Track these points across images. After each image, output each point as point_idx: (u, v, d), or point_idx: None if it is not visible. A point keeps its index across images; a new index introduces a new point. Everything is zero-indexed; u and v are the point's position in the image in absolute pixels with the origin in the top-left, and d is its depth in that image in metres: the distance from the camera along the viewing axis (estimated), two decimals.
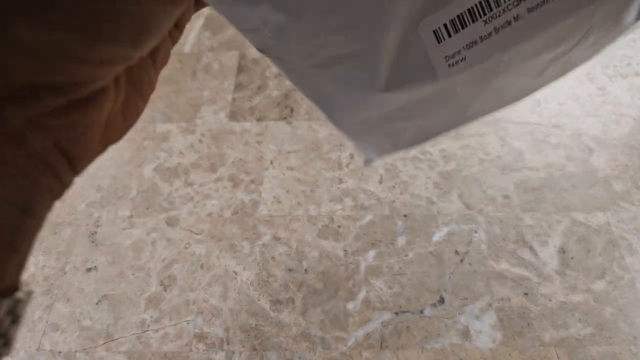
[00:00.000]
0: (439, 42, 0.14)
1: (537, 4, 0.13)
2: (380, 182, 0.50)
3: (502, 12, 0.13)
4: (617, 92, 0.57)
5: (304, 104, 0.58)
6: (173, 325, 0.41)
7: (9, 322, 0.09)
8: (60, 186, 0.10)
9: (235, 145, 0.54)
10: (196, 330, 0.40)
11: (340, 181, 0.50)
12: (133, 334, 0.41)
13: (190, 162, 0.53)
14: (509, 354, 0.38)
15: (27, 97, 0.09)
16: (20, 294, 0.09)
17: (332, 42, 0.13)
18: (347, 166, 0.52)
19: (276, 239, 0.46)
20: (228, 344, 0.40)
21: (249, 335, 0.40)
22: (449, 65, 0.14)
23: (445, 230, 0.46)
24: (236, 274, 0.44)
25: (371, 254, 0.45)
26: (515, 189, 0.49)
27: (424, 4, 0.13)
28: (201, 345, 0.40)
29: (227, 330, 0.40)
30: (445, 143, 0.53)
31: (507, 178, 0.50)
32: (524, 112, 0.56)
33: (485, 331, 0.40)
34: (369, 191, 0.49)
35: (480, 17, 0.13)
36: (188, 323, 0.41)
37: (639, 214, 0.46)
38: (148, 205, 0.49)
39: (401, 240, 0.46)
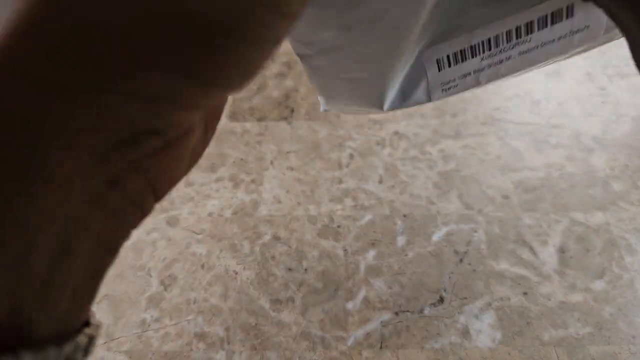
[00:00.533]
0: (439, 71, 0.15)
1: (528, 49, 0.15)
2: (380, 182, 0.50)
3: (498, 52, 0.15)
4: (617, 92, 0.57)
5: (304, 104, 0.58)
6: (174, 324, 0.41)
7: None
8: (142, 218, 0.11)
9: (236, 146, 0.54)
10: (196, 330, 0.41)
11: (340, 181, 0.50)
12: (134, 333, 0.41)
13: None
14: (509, 353, 0.39)
15: (132, 143, 0.09)
16: (90, 331, 0.09)
17: (355, 67, 0.14)
18: (347, 166, 0.52)
19: (276, 238, 0.46)
20: (228, 343, 0.40)
21: (249, 334, 0.40)
22: (442, 90, 0.16)
23: (444, 230, 0.46)
24: (236, 273, 0.44)
25: (371, 253, 0.45)
26: (515, 189, 0.49)
27: (435, 35, 0.14)
28: (201, 345, 0.40)
29: (227, 329, 0.41)
30: (445, 143, 0.53)
31: (507, 178, 0.50)
32: (524, 112, 0.56)
33: (484, 330, 0.40)
34: (369, 191, 0.50)
35: (480, 54, 0.15)
36: (188, 322, 0.41)
37: (638, 214, 0.46)
38: None
39: (401, 240, 0.46)
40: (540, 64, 0.16)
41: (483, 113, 0.56)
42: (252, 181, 0.51)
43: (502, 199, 0.48)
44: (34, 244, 0.07)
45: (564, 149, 0.52)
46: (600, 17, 0.14)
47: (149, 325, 0.41)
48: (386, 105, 0.17)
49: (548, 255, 0.44)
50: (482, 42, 0.15)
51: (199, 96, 0.09)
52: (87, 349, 0.09)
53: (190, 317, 0.41)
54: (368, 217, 0.47)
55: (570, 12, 0.14)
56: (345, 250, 0.45)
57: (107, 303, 0.42)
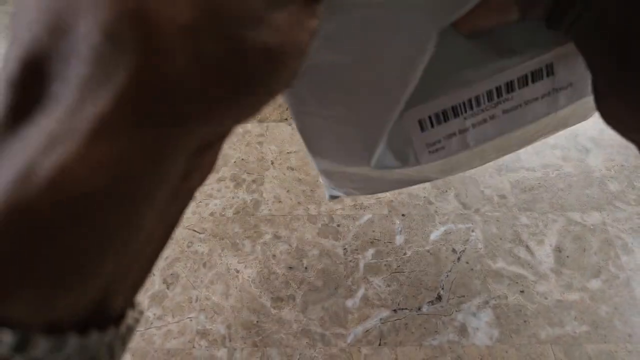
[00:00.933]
0: (422, 131, 0.15)
1: (512, 107, 0.15)
2: None
3: (481, 111, 0.15)
4: None
5: None
6: (176, 322, 0.42)
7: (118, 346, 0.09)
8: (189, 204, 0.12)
9: (237, 146, 0.55)
10: (199, 327, 0.41)
11: None
12: (136, 331, 0.41)
13: None
14: (506, 351, 0.39)
15: (210, 146, 0.10)
16: (139, 307, 0.10)
17: (336, 99, 0.15)
18: None
19: (277, 237, 0.47)
20: (230, 340, 0.40)
21: (250, 332, 0.41)
22: (430, 152, 0.16)
23: (442, 229, 0.47)
24: (238, 272, 0.45)
25: (370, 252, 0.46)
26: (512, 189, 0.50)
27: (415, 96, 0.14)
28: (203, 342, 0.40)
29: (229, 327, 0.41)
30: None
31: (504, 178, 0.51)
32: None
33: (482, 328, 0.40)
34: None
35: (462, 114, 0.15)
36: (191, 320, 0.42)
37: (634, 213, 0.47)
38: None
39: (399, 239, 0.46)
40: (530, 128, 0.16)
41: None
42: (254, 181, 0.51)
43: (500, 198, 0.49)
44: (138, 239, 0.09)
45: (561, 150, 0.53)
46: (585, 75, 0.14)
47: (152, 323, 0.42)
48: (374, 160, 0.16)
49: (545, 255, 0.45)
50: (464, 102, 0.15)
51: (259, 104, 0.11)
52: (139, 321, 0.10)
53: (192, 315, 0.42)
54: (367, 216, 0.48)
55: (550, 70, 0.14)
56: (344, 249, 0.46)
57: None
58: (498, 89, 0.14)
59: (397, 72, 0.13)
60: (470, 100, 0.15)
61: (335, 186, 0.21)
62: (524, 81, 0.14)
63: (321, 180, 0.20)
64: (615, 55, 0.10)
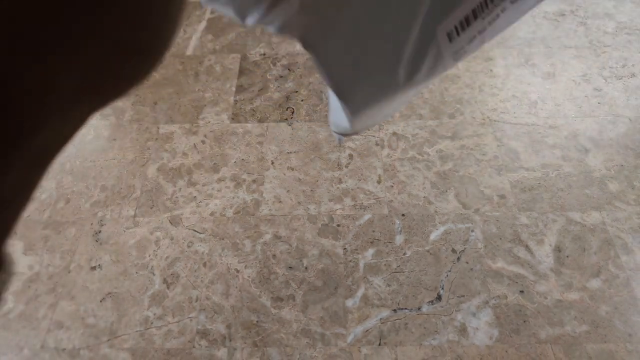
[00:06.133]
0: (450, 42, 0.17)
1: None
2: (379, 182, 0.51)
3: (494, 7, 0.17)
4: (613, 93, 0.57)
5: (304, 105, 0.59)
6: (176, 322, 0.42)
7: None
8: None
9: (237, 146, 0.55)
10: (199, 327, 0.41)
11: (340, 181, 0.51)
12: (137, 331, 0.41)
13: (193, 163, 0.54)
14: (506, 351, 0.39)
15: None
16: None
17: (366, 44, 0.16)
18: (346, 166, 0.52)
19: (277, 237, 0.47)
20: (230, 340, 0.40)
21: (250, 331, 0.41)
22: (454, 59, 0.18)
23: (442, 229, 0.47)
24: (238, 271, 0.45)
25: (370, 252, 0.46)
26: (512, 189, 0.50)
27: (436, 11, 0.15)
28: (204, 342, 0.40)
29: (229, 327, 0.41)
30: (442, 143, 0.54)
31: (504, 178, 0.51)
32: (521, 113, 0.56)
33: (482, 328, 0.40)
34: (368, 191, 0.50)
35: (480, 14, 0.17)
36: (191, 320, 0.42)
37: (634, 213, 0.47)
38: (152, 204, 0.50)
39: (399, 239, 0.46)
40: (526, 10, 0.18)
41: (480, 114, 0.57)
42: (254, 181, 0.51)
43: (499, 198, 0.49)
44: None
45: (561, 150, 0.53)
46: None
47: (152, 323, 0.42)
48: (400, 82, 0.17)
49: (544, 254, 0.45)
50: (480, 4, 0.16)
51: None
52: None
53: (192, 315, 0.42)
54: (367, 216, 0.48)
55: None
56: (344, 249, 0.46)
57: (110, 301, 0.43)
58: None
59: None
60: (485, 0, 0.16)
61: (360, 124, 0.21)
62: None
63: (338, 123, 0.20)
64: None
